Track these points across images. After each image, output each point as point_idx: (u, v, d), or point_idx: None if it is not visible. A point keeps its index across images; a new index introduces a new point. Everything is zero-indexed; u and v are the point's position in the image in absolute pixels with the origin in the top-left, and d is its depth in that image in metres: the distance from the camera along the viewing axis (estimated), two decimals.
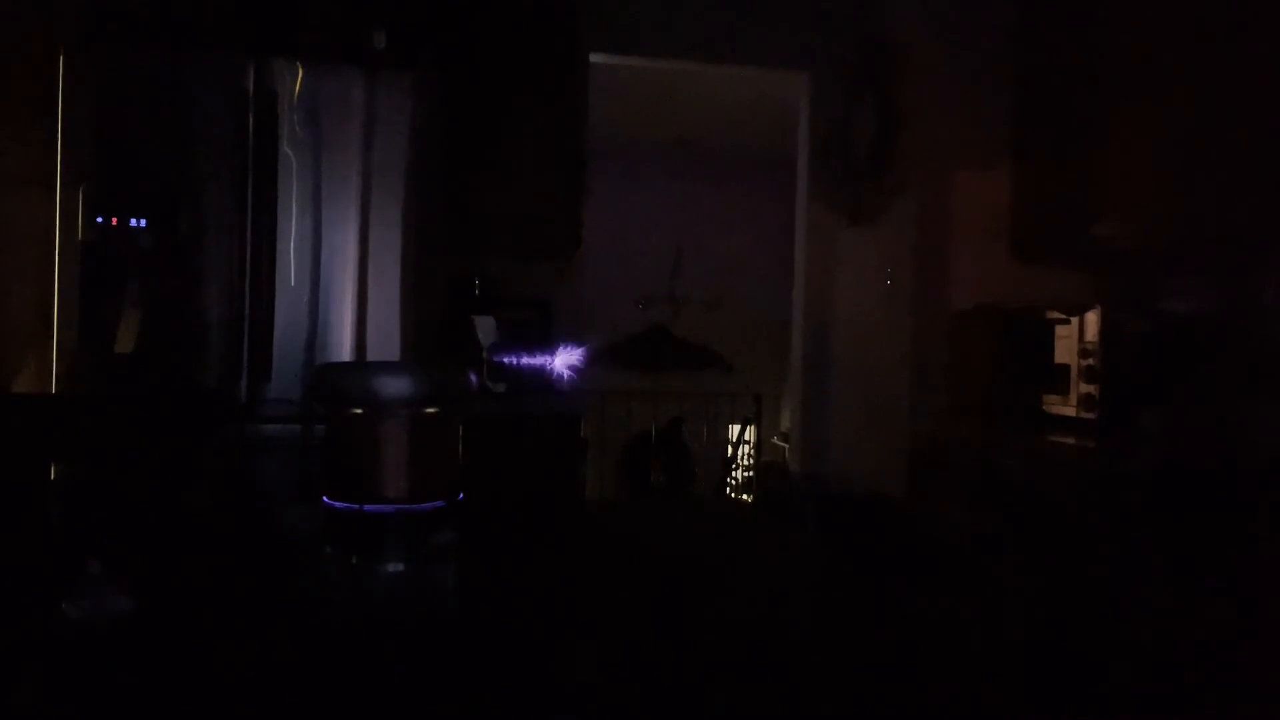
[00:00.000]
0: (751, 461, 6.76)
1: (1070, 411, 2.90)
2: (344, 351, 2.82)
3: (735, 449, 6.86)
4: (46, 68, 2.64)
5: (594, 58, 3.76)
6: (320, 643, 1.06)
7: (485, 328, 3.46)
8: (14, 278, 2.84)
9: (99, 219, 2.62)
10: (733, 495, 6.79)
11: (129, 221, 2.64)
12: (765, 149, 5.81)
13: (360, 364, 2.57)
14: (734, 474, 6.86)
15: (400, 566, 1.21)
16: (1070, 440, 2.73)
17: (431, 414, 1.24)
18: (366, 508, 1.19)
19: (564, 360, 3.52)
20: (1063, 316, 2.96)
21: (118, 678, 0.95)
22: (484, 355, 3.41)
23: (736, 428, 6.92)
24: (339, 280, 2.81)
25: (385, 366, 1.24)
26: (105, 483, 2.42)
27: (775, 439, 6.94)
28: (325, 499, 1.21)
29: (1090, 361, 2.82)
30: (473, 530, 1.40)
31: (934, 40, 3.60)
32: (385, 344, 2.85)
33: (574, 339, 3.62)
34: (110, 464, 2.51)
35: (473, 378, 1.29)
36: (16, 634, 1.05)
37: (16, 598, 1.16)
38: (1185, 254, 2.85)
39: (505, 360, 3.44)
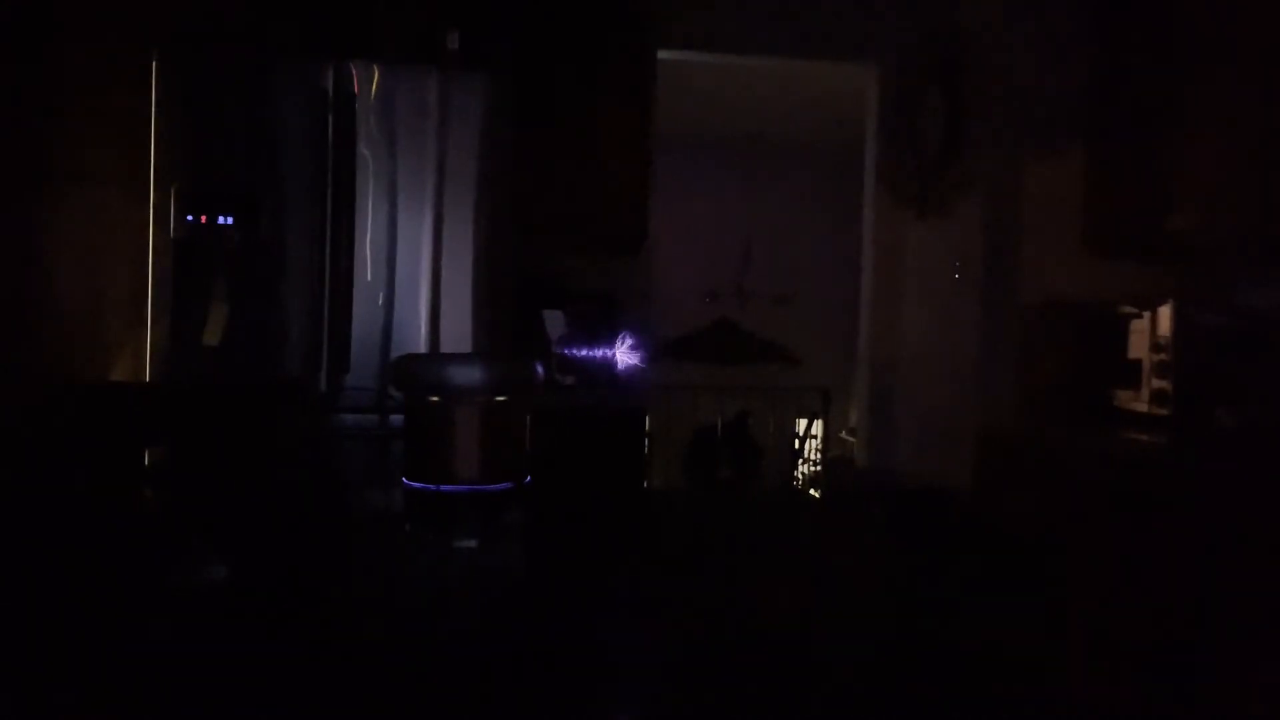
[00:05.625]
0: (819, 456, 6.74)
1: (1143, 407, 2.86)
2: (419, 344, 2.91)
3: (802, 443, 6.85)
4: (141, 72, 2.78)
5: (662, 54, 3.81)
6: (396, 612, 1.12)
7: (554, 321, 3.54)
8: (112, 273, 3.00)
9: (189, 217, 2.75)
10: (800, 489, 6.78)
11: (217, 219, 2.77)
12: (834, 142, 5.79)
13: (437, 356, 2.66)
14: (801, 468, 6.85)
15: (472, 543, 1.29)
16: (1143, 436, 2.69)
17: (501, 402, 1.30)
18: (443, 488, 1.27)
19: (631, 353, 3.57)
20: (1136, 311, 2.91)
21: (214, 641, 1.03)
22: (553, 348, 3.48)
23: (804, 422, 6.90)
24: (414, 275, 2.90)
25: (459, 358, 1.31)
26: (196, 467, 2.55)
27: (843, 433, 6.90)
28: (405, 480, 1.29)
29: (1163, 356, 2.77)
30: (539, 513, 1.46)
31: (1003, 28, 3.55)
32: (459, 337, 2.93)
33: (641, 333, 3.67)
34: (198, 450, 2.64)
35: (540, 370, 1.36)
36: (126, 599, 1.14)
37: (124, 568, 1.25)
38: (1262, 247, 2.78)
39: (573, 353, 3.51)
